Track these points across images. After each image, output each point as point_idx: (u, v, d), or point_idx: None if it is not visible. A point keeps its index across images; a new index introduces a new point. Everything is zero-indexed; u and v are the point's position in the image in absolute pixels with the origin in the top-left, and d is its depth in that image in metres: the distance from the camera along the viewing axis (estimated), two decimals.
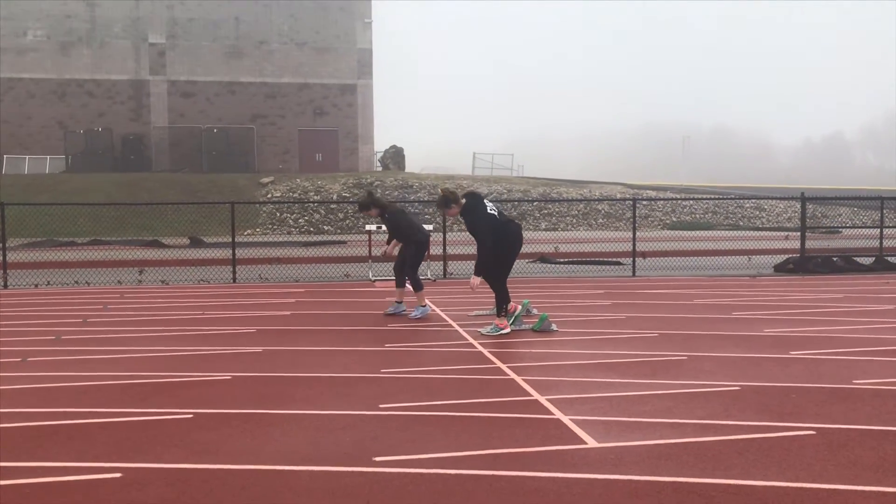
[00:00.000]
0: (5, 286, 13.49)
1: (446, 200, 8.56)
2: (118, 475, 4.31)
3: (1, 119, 38.55)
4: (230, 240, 15.29)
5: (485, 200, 8.62)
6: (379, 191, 33.13)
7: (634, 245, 15.43)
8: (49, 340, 8.38)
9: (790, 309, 10.25)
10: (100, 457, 4.61)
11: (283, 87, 41.25)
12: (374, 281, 13.97)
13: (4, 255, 14.03)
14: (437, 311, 10.21)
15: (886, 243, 16.91)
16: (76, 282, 14.05)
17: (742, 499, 3.92)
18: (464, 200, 8.56)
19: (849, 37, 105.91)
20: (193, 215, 25.69)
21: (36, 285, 13.67)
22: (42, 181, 32.78)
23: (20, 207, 18.71)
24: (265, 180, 34.32)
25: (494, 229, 8.37)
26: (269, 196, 32.11)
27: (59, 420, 5.39)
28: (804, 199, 16.20)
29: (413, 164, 45.41)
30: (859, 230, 22.66)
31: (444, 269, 14.88)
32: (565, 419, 5.27)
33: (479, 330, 8.60)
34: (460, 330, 8.73)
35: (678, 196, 34.58)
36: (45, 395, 6.08)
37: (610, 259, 17.27)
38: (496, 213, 8.51)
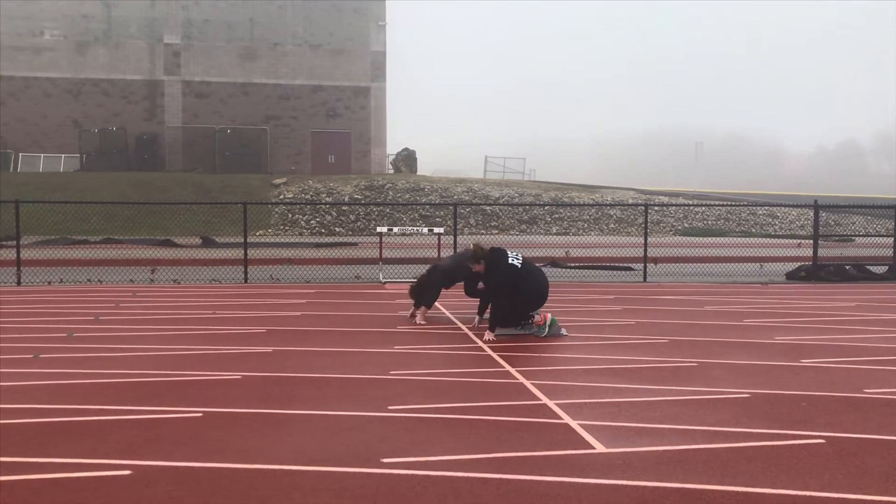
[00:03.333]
0: (19, 283, 13.58)
1: (476, 257, 8.70)
2: (128, 472, 4.34)
3: (17, 117, 38.84)
4: (242, 240, 15.34)
5: (508, 252, 8.69)
6: (391, 193, 33.19)
7: (646, 251, 15.39)
8: (61, 338, 8.43)
9: (802, 317, 10.20)
10: (110, 454, 4.64)
11: (296, 89, 41.39)
12: (385, 283, 14.00)
13: (18, 253, 14.12)
14: (447, 314, 10.21)
15: None
16: (89, 280, 14.14)
17: None
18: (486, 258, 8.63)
19: (863, 42, 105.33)
20: (206, 215, 25.80)
21: (49, 283, 13.76)
22: (56, 179, 33.00)
23: (34, 205, 18.84)
24: (277, 181, 34.44)
25: (516, 279, 8.39)
26: (282, 197, 32.21)
27: (70, 417, 5.42)
28: (817, 206, 16.13)
29: (425, 167, 45.47)
30: (873, 238, 22.51)
31: None
32: (574, 424, 5.26)
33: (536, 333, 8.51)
34: (470, 333, 8.73)
35: (690, 202, 34.48)
36: (56, 392, 6.12)
37: (621, 264, 17.23)
38: (519, 264, 8.56)
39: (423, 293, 9.58)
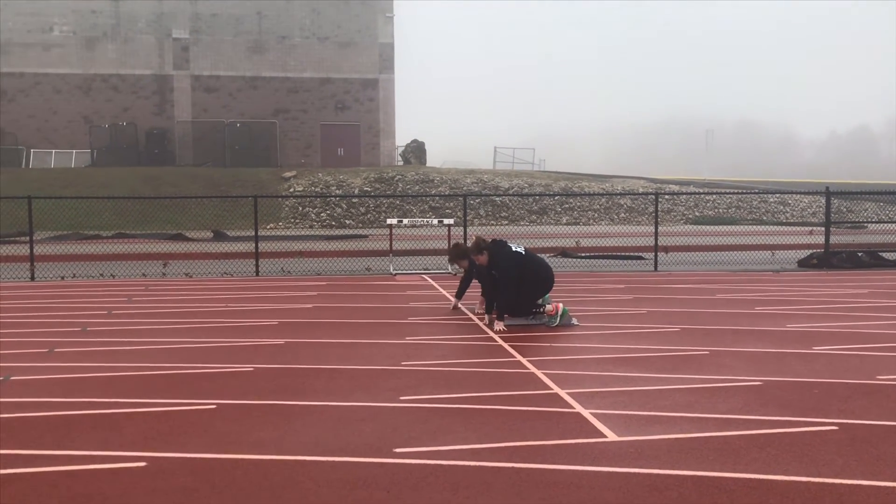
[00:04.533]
0: (32, 278, 13.68)
1: (479, 248, 8.72)
2: (143, 464, 4.38)
3: (27, 114, 39.01)
4: (253, 233, 15.39)
5: (509, 243, 8.77)
6: (400, 185, 33.19)
7: (657, 239, 15.34)
8: (76, 332, 8.49)
9: (813, 304, 10.16)
10: (125, 446, 4.68)
11: (305, 82, 41.40)
12: (395, 274, 14.02)
13: (32, 248, 14.21)
14: (460, 305, 10.22)
15: None
16: (101, 274, 14.22)
17: (763, 493, 3.91)
18: (488, 250, 8.69)
19: (875, 27, 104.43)
20: (217, 209, 25.88)
21: (62, 278, 13.85)
22: (68, 175, 33.16)
23: (46, 201, 18.94)
24: (287, 175, 34.50)
25: (521, 266, 8.49)
26: (292, 190, 32.27)
27: (85, 410, 5.47)
28: (829, 193, 16.03)
29: (434, 159, 45.46)
30: (885, 225, 22.37)
31: None
32: (585, 413, 5.27)
33: (547, 324, 8.51)
34: (480, 323, 8.74)
35: (701, 190, 34.33)
36: (71, 386, 6.17)
37: (632, 254, 17.19)
38: (522, 251, 8.71)
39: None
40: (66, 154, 39.13)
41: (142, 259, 16.56)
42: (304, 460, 4.41)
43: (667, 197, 32.95)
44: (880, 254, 15.70)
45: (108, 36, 39.99)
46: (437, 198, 30.90)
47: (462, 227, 15.71)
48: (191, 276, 14.05)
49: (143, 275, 14.25)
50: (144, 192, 28.89)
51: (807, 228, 24.88)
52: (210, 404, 5.56)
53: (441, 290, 11.74)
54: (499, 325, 8.26)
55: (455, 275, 13.89)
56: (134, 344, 7.78)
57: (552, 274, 8.88)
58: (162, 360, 6.98)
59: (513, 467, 4.27)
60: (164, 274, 14.45)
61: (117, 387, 6.12)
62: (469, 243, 9.38)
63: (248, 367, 6.69)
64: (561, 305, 8.62)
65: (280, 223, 28.95)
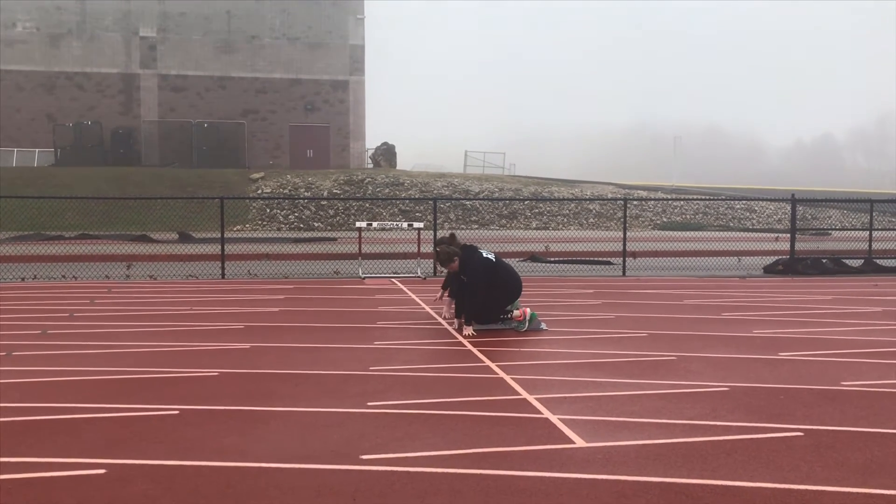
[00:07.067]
0: None
1: (450, 254, 8.63)
2: (103, 471, 4.27)
3: None
4: (219, 235, 15.21)
5: (479, 249, 8.74)
6: (370, 188, 33.08)
7: (625, 245, 15.44)
8: (35, 335, 8.31)
9: (779, 310, 10.28)
10: (84, 453, 4.56)
11: (274, 83, 41.14)
12: (364, 278, 13.94)
13: None
14: (427, 309, 10.19)
15: (875, 245, 16.98)
16: (63, 276, 13.96)
17: (730, 499, 3.92)
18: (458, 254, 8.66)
19: (840, 38, 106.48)
20: (183, 210, 25.57)
21: (23, 279, 13.57)
22: (30, 174, 32.58)
23: (8, 200, 18.59)
24: (255, 176, 34.22)
25: (491, 273, 8.47)
26: (260, 192, 32.01)
27: (43, 415, 5.34)
28: (794, 200, 16.25)
29: (404, 162, 45.44)
30: (849, 232, 22.75)
31: (435, 268, 14.85)
32: (554, 418, 5.25)
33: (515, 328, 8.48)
34: (449, 328, 8.70)
35: (669, 196, 34.68)
36: (30, 390, 6.03)
37: (600, 259, 17.28)
38: (493, 258, 8.68)
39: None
40: (29, 153, 38.45)
41: (105, 260, 16.29)
42: (269, 467, 4.34)
43: (635, 202, 33.25)
44: (843, 260, 15.95)
45: (73, 33, 39.39)
46: (407, 201, 30.85)
47: (432, 231, 15.67)
48: (155, 279, 13.85)
49: (107, 276, 14.02)
50: (109, 193, 28.46)
51: (773, 235, 25.24)
52: (173, 410, 5.46)
53: (410, 293, 11.69)
54: (468, 330, 8.23)
55: (424, 279, 13.86)
56: (96, 347, 7.63)
57: (520, 282, 8.88)
58: (124, 364, 6.85)
59: (481, 474, 4.24)
60: (127, 276, 14.22)
61: (78, 391, 5.98)
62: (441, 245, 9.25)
63: (213, 372, 6.59)
64: (528, 310, 8.62)
65: (247, 225, 28.69)
